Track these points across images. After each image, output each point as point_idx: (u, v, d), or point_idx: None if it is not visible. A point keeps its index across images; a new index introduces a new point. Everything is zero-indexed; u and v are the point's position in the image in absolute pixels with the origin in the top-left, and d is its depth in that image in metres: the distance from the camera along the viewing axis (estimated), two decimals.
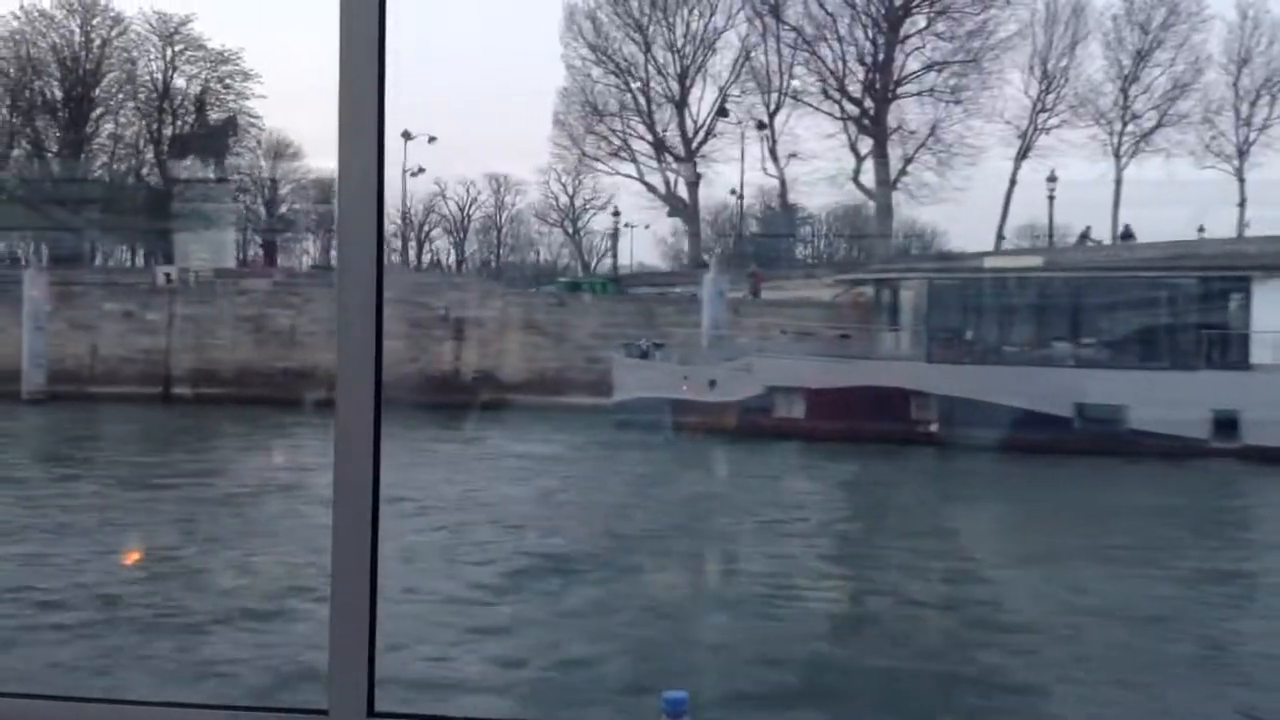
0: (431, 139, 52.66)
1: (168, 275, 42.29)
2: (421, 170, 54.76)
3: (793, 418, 28.97)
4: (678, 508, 23.01)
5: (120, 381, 40.22)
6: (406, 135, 52.96)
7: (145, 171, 55.54)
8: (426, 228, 59.50)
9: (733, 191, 47.57)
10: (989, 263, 36.03)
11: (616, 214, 52.00)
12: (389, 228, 56.74)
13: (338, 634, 3.06)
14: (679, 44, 49.05)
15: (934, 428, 29.06)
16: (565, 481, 26.15)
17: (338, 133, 3.01)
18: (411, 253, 58.75)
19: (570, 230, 57.39)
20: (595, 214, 55.98)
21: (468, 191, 57.30)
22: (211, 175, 55.63)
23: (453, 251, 61.02)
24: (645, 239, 55.40)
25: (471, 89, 54.18)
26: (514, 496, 23.75)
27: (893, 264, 39.57)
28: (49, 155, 53.77)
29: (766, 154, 46.86)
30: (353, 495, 3.05)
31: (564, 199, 55.92)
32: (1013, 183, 45.71)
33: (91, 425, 34.63)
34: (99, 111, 54.44)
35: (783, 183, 46.41)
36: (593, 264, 56.72)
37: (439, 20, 54.19)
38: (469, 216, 59.54)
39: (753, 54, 46.86)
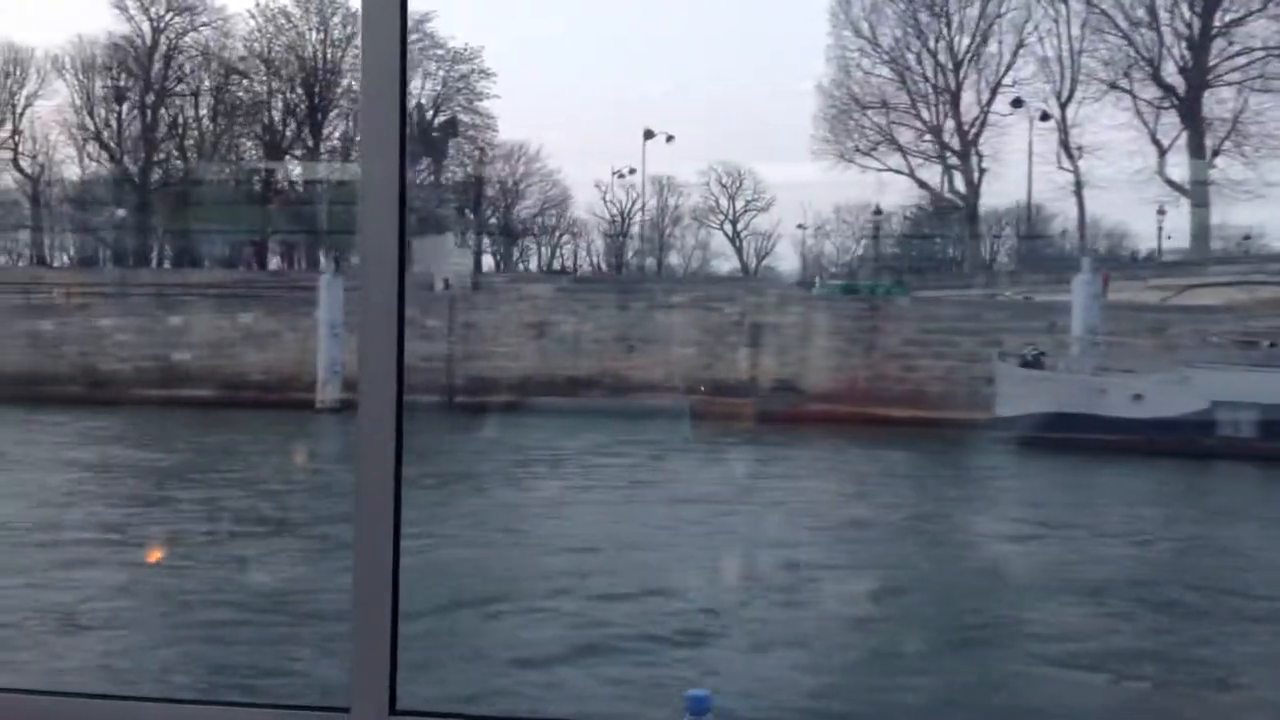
0: (669, 138, 51.22)
1: (446, 280, 40.92)
2: (632, 171, 53.11)
3: (1246, 437, 26.19)
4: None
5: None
6: (649, 133, 51.65)
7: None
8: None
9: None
10: None
11: (878, 212, 49.54)
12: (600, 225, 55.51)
13: (360, 633, 3.09)
14: (953, 32, 46.51)
15: None
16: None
17: (360, 140, 3.20)
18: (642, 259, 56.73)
19: (730, 233, 55.01)
20: (755, 215, 53.98)
21: (628, 194, 55.09)
22: (432, 179, 54.54)
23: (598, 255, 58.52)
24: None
25: (728, 83, 52.12)
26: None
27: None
28: (287, 158, 52.96)
29: (1056, 147, 43.98)
30: (375, 496, 3.15)
31: (724, 201, 53.91)
32: None
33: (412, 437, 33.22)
34: (334, 112, 53.52)
35: (1077, 180, 43.52)
36: (754, 267, 54.76)
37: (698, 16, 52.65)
38: (629, 219, 57.16)
39: (1044, 39, 44.16)
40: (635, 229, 54.31)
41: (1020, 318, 35.45)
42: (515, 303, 40.60)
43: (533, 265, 55.03)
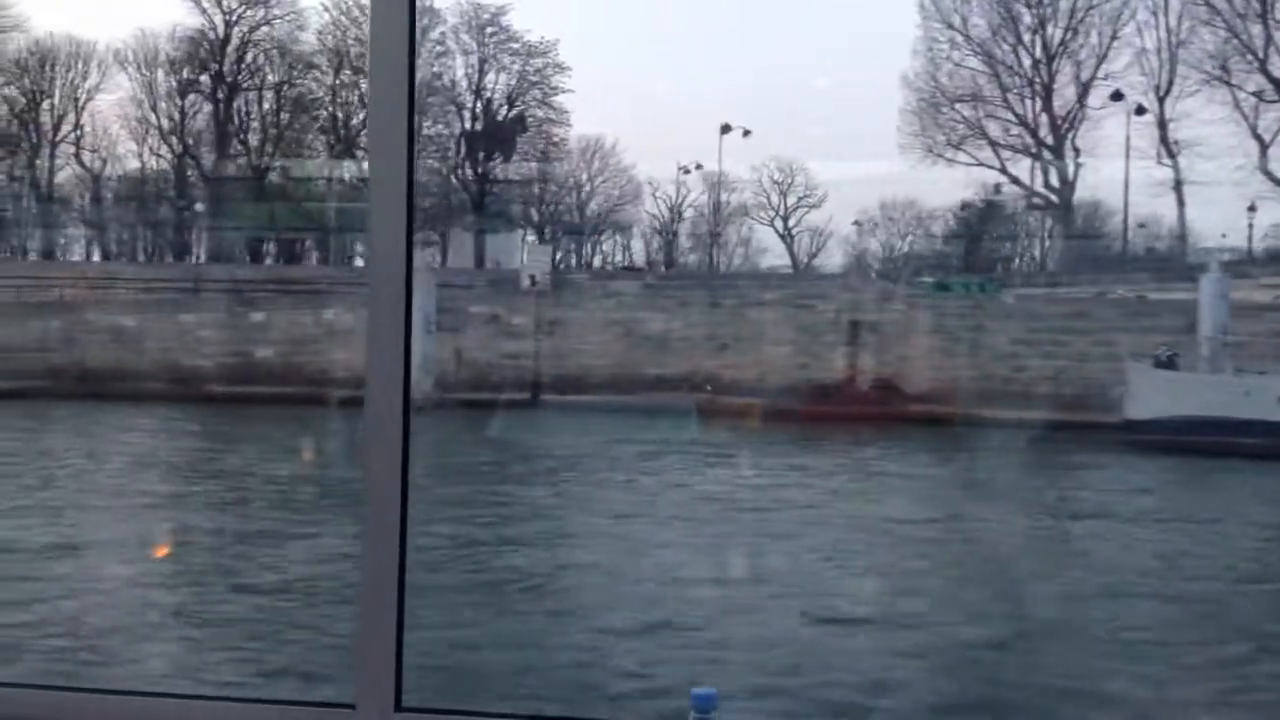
0: (746, 133, 50.19)
1: (532, 277, 40.09)
2: (699, 167, 52.05)
3: None
4: None
5: (486, 387, 38.13)
6: (726, 128, 50.59)
7: (450, 172, 53.81)
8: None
9: None
10: None
11: (965, 207, 48.36)
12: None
13: (365, 629, 3.08)
14: (1046, 23, 45.26)
15: None
16: None
17: (367, 137, 3.18)
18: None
19: (781, 229, 53.78)
20: (808, 212, 52.77)
21: (678, 190, 53.89)
22: (503, 175, 53.81)
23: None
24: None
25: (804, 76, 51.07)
26: None
27: None
28: (359, 155, 52.31)
29: (1155, 143, 42.65)
30: (382, 492, 3.13)
31: (775, 197, 52.72)
32: None
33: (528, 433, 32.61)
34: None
35: (1177, 176, 42.16)
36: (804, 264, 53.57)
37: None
38: (679, 215, 55.88)
39: (1142, 30, 42.86)
40: (687, 225, 53.73)
41: (1135, 317, 34.15)
42: (601, 300, 39.71)
43: (605, 263, 54.26)
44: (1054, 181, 45.15)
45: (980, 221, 50.18)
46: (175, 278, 41.83)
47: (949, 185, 47.29)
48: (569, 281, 41.23)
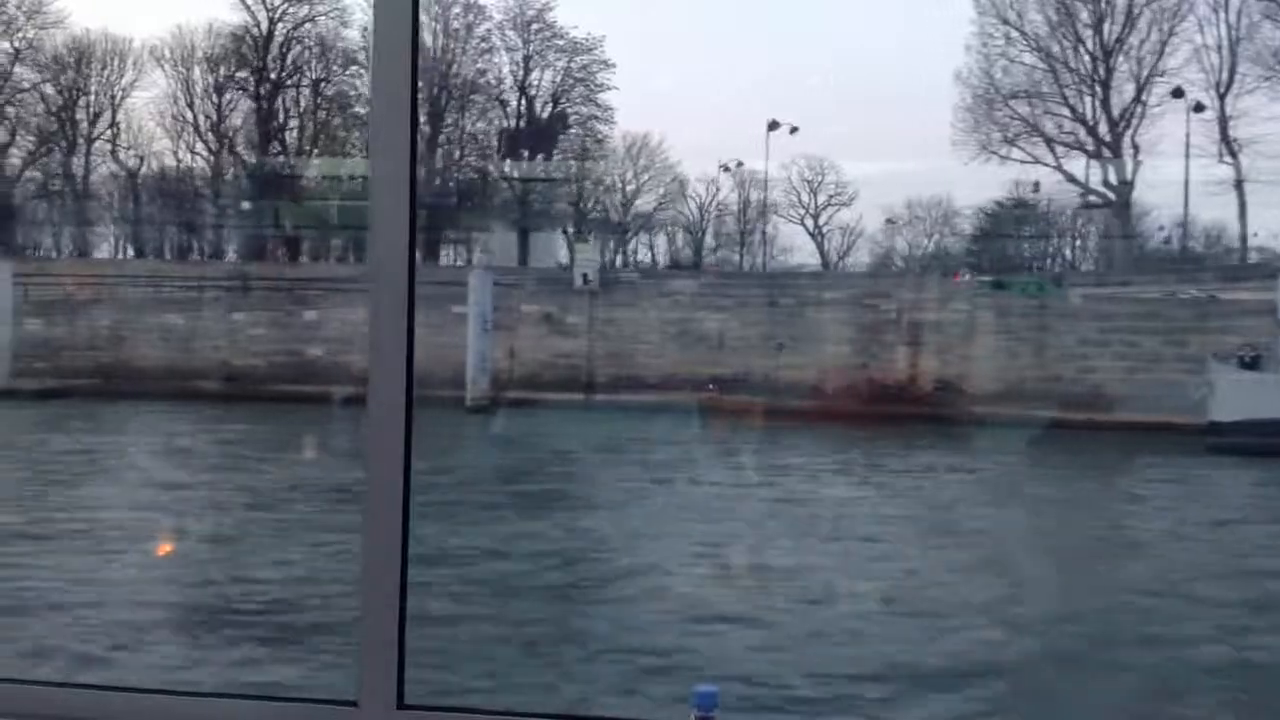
0: (793, 129, 49.59)
1: (585, 275, 39.55)
2: (740, 164, 51.41)
3: None
4: None
5: (539, 387, 37.59)
6: (774, 124, 49.98)
7: (491, 170, 53.32)
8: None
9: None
10: None
11: (1020, 205, 47.64)
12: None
13: (368, 627, 3.11)
14: (1102, 20, 44.55)
15: None
16: None
17: (369, 135, 3.14)
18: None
19: (811, 228, 53.06)
20: (837, 210, 52.05)
21: (707, 188, 53.11)
22: (543, 174, 53.32)
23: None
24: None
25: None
26: None
27: None
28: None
29: (1215, 140, 41.90)
30: (384, 491, 3.15)
31: (805, 195, 52.03)
32: None
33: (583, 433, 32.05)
34: (450, 104, 52.23)
35: (1238, 174, 41.43)
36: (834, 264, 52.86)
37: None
38: (709, 214, 55.07)
39: (1203, 26, 42.13)
40: (716, 223, 52.98)
41: (1207, 317, 33.44)
42: (656, 299, 39.16)
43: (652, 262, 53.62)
44: (1111, 179, 44.48)
45: (1013, 220, 49.74)
46: (224, 276, 41.37)
47: (993, 183, 46.79)
48: (620, 281, 40.61)
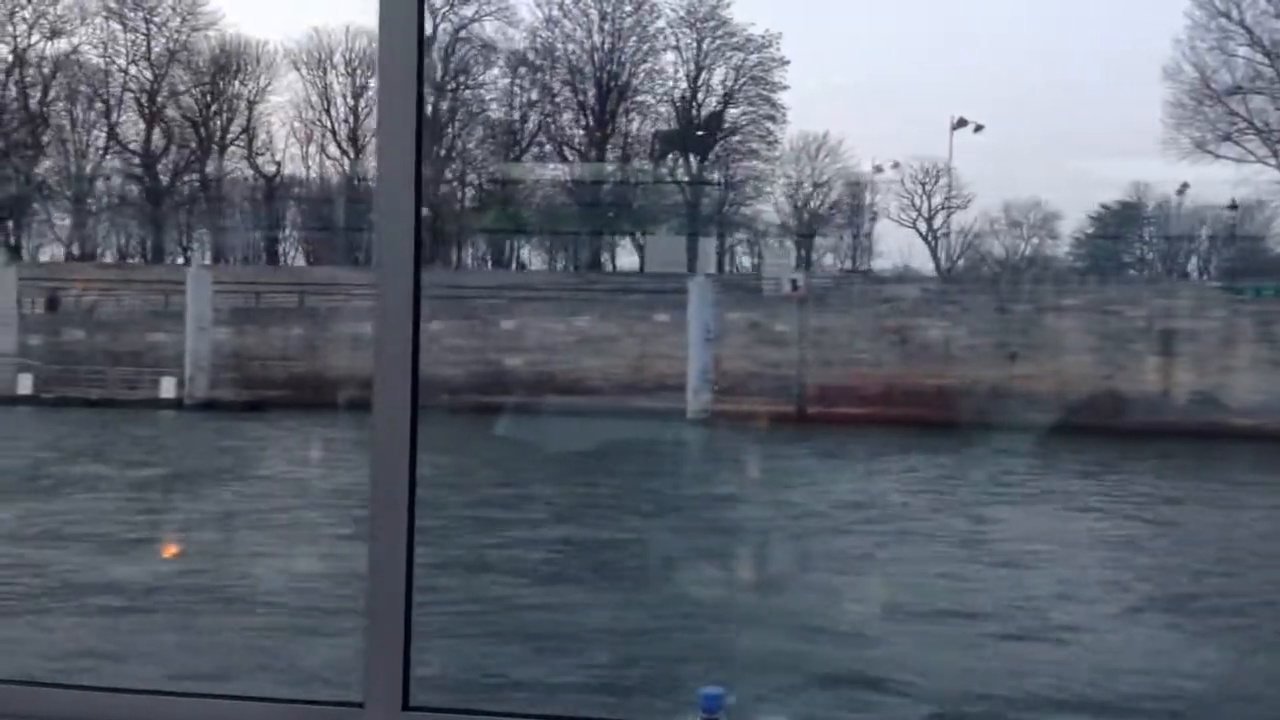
0: (978, 128, 47.20)
1: (794, 282, 37.47)
2: (895, 165, 49.00)
3: None
4: None
5: (747, 397, 35.55)
6: (961, 122, 47.58)
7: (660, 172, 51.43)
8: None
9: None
10: None
11: (1234, 206, 44.78)
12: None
13: (374, 628, 3.11)
14: None
15: None
16: None
17: (376, 135, 3.07)
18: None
19: (925, 231, 50.24)
20: (954, 213, 49.19)
21: (813, 189, 50.42)
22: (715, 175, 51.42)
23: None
24: None
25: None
26: None
27: None
28: (572, 159, 50.09)
29: None
30: (389, 495, 3.12)
31: (919, 198, 49.32)
32: None
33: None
34: (623, 107, 50.47)
35: None
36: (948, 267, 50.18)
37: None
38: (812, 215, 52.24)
39: None
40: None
41: None
42: (873, 305, 36.95)
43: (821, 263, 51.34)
44: None
45: (1119, 223, 47.49)
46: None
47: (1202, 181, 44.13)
48: (837, 287, 38.51)
